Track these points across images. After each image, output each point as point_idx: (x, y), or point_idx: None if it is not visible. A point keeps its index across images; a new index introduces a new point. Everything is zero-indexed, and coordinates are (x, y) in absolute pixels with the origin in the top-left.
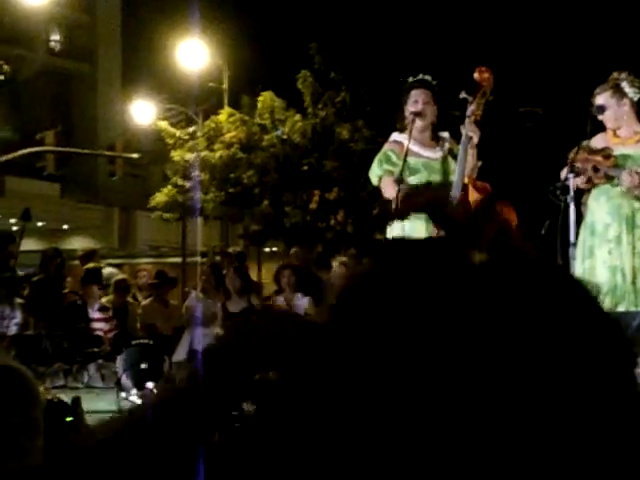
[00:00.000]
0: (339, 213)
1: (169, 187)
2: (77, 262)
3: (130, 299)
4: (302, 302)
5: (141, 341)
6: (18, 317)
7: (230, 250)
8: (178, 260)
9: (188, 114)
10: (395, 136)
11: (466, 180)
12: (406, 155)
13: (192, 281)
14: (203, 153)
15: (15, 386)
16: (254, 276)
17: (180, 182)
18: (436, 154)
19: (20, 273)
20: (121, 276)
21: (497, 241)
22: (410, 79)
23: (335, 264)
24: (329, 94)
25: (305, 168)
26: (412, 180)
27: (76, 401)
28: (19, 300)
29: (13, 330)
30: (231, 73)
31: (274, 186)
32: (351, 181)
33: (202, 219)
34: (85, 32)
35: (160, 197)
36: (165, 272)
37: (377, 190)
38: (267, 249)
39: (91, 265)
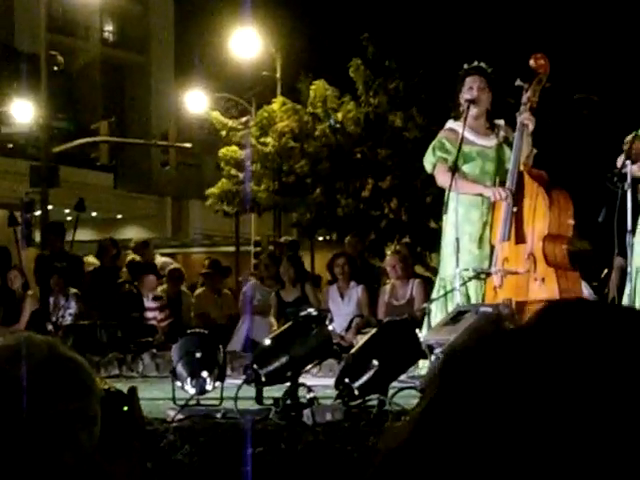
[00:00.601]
0: (392, 201)
1: (223, 180)
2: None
3: (184, 288)
4: (355, 290)
5: (196, 330)
6: (73, 307)
7: (282, 240)
8: (231, 249)
9: (241, 103)
10: (450, 123)
11: (522, 168)
12: (461, 143)
13: (245, 270)
14: (255, 143)
15: (71, 376)
16: (307, 265)
17: (233, 172)
18: (491, 142)
19: (94, 261)
20: (175, 265)
21: None
22: (465, 66)
23: (388, 252)
24: (381, 81)
25: (358, 156)
26: (466, 168)
27: (132, 390)
28: (73, 290)
29: (68, 320)
30: (284, 62)
31: (327, 175)
32: (405, 169)
33: (255, 208)
34: (138, 23)
35: (214, 190)
36: (219, 261)
37: (431, 178)
38: (320, 238)
39: (132, 257)
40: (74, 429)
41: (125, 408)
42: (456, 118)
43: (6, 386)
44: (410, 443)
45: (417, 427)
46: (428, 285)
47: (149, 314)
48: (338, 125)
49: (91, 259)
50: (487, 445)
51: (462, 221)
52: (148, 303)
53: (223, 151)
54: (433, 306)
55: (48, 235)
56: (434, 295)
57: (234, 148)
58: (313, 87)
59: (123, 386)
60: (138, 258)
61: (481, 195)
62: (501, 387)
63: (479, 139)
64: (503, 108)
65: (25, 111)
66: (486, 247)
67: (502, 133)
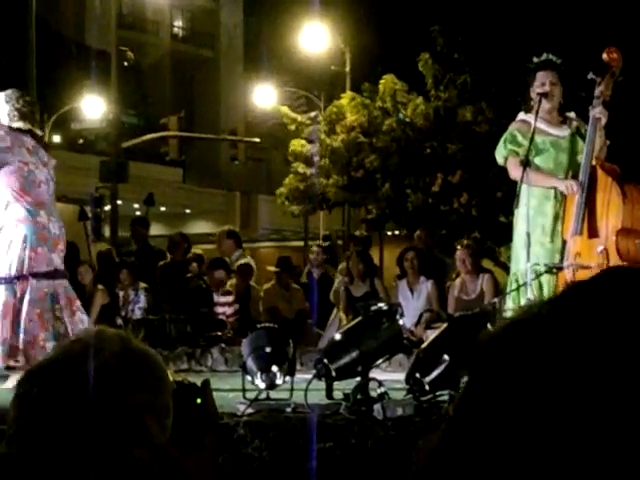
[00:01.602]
0: (462, 196)
1: (291, 176)
2: (202, 246)
3: (253, 283)
4: (425, 285)
5: (266, 325)
6: (142, 301)
7: (357, 234)
8: (300, 244)
9: (310, 98)
10: (522, 115)
11: (594, 162)
12: (533, 134)
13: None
14: (324, 137)
15: (143, 369)
16: (376, 260)
17: (302, 169)
18: (564, 132)
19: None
20: (244, 260)
21: None
22: (535, 59)
23: (459, 247)
24: (450, 76)
25: (428, 151)
26: (539, 160)
27: (205, 383)
28: (143, 284)
29: (137, 314)
30: (353, 56)
31: (396, 170)
32: (475, 163)
33: (324, 205)
34: (208, 18)
35: (283, 189)
36: (289, 258)
37: (501, 173)
38: (389, 233)
39: (198, 251)
40: (146, 422)
41: (198, 401)
42: (527, 111)
43: (79, 380)
44: (447, 433)
45: (451, 418)
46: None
47: (218, 309)
48: (407, 119)
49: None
50: (515, 430)
51: (534, 214)
52: (217, 298)
53: (292, 145)
54: (507, 300)
55: (136, 229)
56: (507, 289)
57: (303, 142)
58: (382, 82)
59: (193, 380)
60: (201, 251)
61: (554, 188)
62: (525, 372)
63: (552, 129)
64: (573, 101)
65: (95, 107)
66: (558, 241)
67: (574, 123)
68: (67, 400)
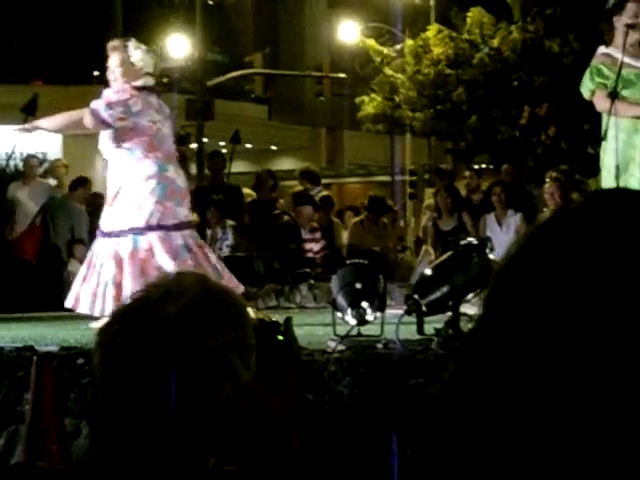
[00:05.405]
0: (550, 128)
1: (378, 99)
2: (288, 182)
3: (334, 217)
4: (514, 219)
5: (355, 261)
6: (229, 239)
7: (443, 167)
8: (386, 179)
9: (394, 32)
10: (603, 49)
11: None
12: (620, 67)
13: (400, 200)
14: (410, 70)
15: (224, 308)
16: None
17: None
18: None
19: (250, 193)
20: (325, 192)
21: None
22: None
23: (547, 180)
24: (538, 7)
25: (515, 83)
26: (626, 93)
27: (288, 321)
28: (230, 222)
29: (225, 252)
30: None
31: (483, 102)
32: (562, 95)
33: (410, 136)
34: None
35: (368, 109)
36: (382, 199)
37: (588, 104)
38: (476, 166)
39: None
40: (230, 361)
41: (280, 338)
42: (608, 44)
43: (160, 326)
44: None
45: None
46: None
47: (306, 245)
48: (492, 52)
49: (247, 191)
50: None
51: (624, 147)
52: (305, 234)
53: (380, 75)
54: None
55: (214, 164)
56: None
57: (389, 72)
58: (470, 14)
59: (281, 317)
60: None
61: None
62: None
63: (638, 62)
64: None
65: (180, 46)
66: None
67: None
68: (149, 346)
